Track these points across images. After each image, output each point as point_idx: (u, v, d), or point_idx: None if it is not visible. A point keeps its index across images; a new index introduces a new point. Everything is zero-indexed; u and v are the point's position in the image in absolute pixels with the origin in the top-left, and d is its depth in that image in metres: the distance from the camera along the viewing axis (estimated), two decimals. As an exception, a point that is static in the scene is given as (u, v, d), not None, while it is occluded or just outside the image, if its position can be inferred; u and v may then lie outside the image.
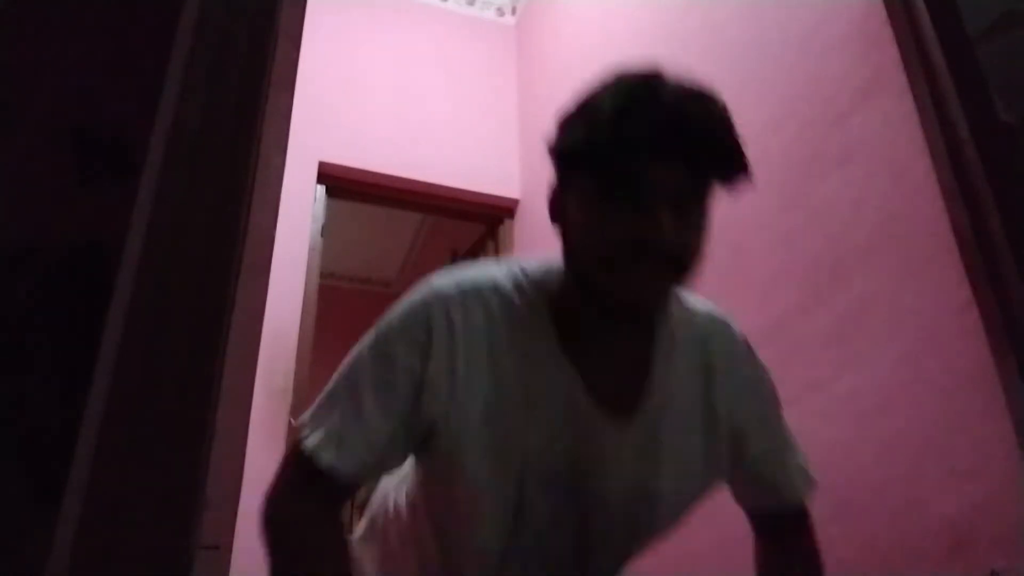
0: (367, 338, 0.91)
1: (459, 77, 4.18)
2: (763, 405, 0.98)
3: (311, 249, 3.42)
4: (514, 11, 4.47)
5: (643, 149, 0.77)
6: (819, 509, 1.73)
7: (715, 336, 0.95)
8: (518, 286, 0.88)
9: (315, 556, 0.82)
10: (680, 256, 0.80)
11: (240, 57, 0.96)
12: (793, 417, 1.82)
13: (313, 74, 3.48)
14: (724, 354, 0.95)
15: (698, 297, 0.98)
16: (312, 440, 0.85)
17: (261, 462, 3.07)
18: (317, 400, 0.90)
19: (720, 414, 0.92)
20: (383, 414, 0.84)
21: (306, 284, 3.34)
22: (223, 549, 0.87)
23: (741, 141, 0.83)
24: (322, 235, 3.53)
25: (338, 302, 6.69)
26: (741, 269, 2.11)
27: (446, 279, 0.90)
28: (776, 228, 1.99)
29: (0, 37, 0.80)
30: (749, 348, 0.99)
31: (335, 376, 0.90)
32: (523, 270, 0.91)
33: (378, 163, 3.71)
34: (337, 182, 3.66)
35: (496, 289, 0.88)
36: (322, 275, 3.52)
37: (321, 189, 3.60)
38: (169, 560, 0.71)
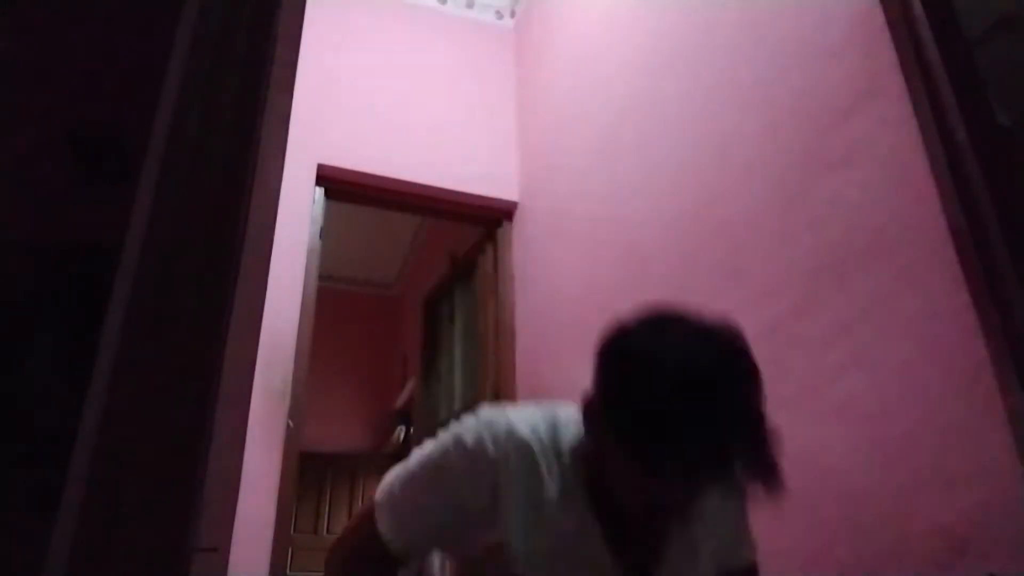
0: (439, 449, 1.05)
1: (458, 79, 4.18)
2: (737, 526, 1.17)
3: (310, 251, 3.41)
4: (513, 14, 4.47)
5: (681, 468, 0.85)
6: (818, 511, 1.73)
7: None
8: (557, 447, 1.02)
9: None
10: (685, 508, 0.97)
11: (239, 59, 0.96)
12: (791, 420, 1.82)
13: (312, 76, 3.48)
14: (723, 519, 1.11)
15: None
16: (382, 519, 1.04)
17: (259, 464, 3.07)
18: (396, 477, 1.07)
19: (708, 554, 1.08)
20: (438, 516, 1.03)
21: (304, 286, 3.33)
22: (220, 551, 0.87)
23: (772, 456, 0.89)
24: (321, 237, 3.53)
25: (337, 304, 6.70)
26: (740, 270, 2.12)
27: (502, 425, 1.02)
28: (775, 230, 2.00)
29: (0, 38, 0.80)
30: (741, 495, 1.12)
31: (413, 466, 1.07)
32: (561, 430, 1.04)
33: (377, 165, 3.71)
34: (336, 184, 3.65)
35: (541, 445, 1.01)
36: (320, 277, 3.52)
37: (320, 191, 3.60)
38: (167, 562, 0.71)
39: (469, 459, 1.00)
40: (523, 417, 1.04)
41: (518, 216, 3.93)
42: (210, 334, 0.81)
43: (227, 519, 0.94)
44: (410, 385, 6.08)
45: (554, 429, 1.04)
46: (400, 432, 6.30)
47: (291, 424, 3.06)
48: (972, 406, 1.38)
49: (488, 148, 4.03)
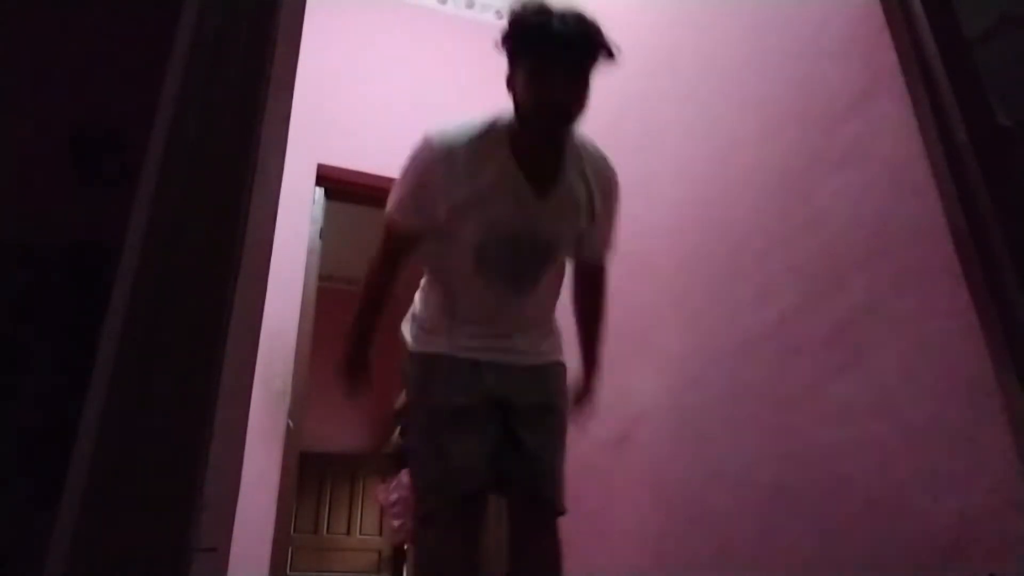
0: (410, 160, 1.63)
1: (458, 79, 4.18)
2: (609, 209, 1.73)
3: (310, 251, 3.41)
4: (513, 14, 4.47)
5: (553, 53, 1.44)
6: (818, 510, 1.73)
7: (597, 161, 1.68)
8: (492, 124, 1.57)
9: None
10: (573, 107, 1.50)
11: (239, 60, 0.96)
12: (791, 420, 1.83)
13: (312, 77, 3.48)
14: (599, 172, 1.68)
15: (589, 138, 1.69)
16: (392, 211, 1.67)
17: (259, 464, 3.07)
18: (393, 191, 1.68)
19: (588, 201, 1.65)
20: (422, 199, 1.59)
21: (304, 286, 3.33)
22: (220, 551, 0.86)
23: (607, 41, 1.46)
24: (320, 237, 3.53)
25: (336, 304, 6.68)
26: (741, 271, 2.12)
27: (453, 129, 1.58)
28: (775, 231, 2.00)
29: (0, 38, 0.80)
30: (613, 173, 1.72)
31: (399, 179, 1.67)
32: (495, 115, 1.58)
33: (377, 165, 3.71)
34: (336, 184, 3.65)
35: (480, 129, 1.56)
36: (320, 277, 3.52)
37: (320, 191, 3.60)
38: (166, 562, 0.71)
39: (425, 159, 1.57)
40: (459, 122, 1.59)
41: (518, 216, 3.92)
42: (210, 334, 0.81)
43: (227, 519, 0.94)
44: (410, 385, 6.07)
45: (487, 120, 1.58)
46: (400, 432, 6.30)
47: (291, 424, 3.06)
48: (972, 406, 1.38)
49: (488, 148, 4.02)
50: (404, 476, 2.91)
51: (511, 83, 1.53)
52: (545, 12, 1.45)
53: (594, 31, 1.45)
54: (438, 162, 1.54)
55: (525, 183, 1.56)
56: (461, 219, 1.56)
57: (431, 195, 1.56)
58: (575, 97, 1.49)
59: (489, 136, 1.56)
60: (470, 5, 4.40)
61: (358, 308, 1.74)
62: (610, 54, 1.47)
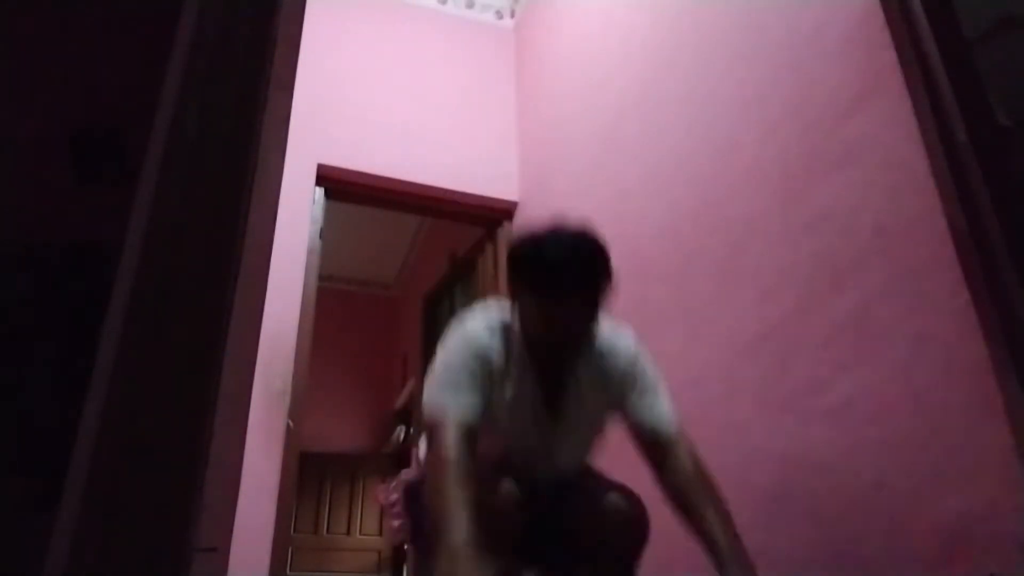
0: (447, 354, 1.54)
1: (458, 79, 4.19)
2: (644, 387, 1.58)
3: (310, 251, 3.41)
4: (512, 14, 4.47)
5: (558, 296, 1.41)
6: (818, 510, 1.73)
7: (612, 355, 1.59)
8: (507, 332, 1.55)
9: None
10: (581, 335, 1.51)
11: (239, 60, 0.96)
12: (791, 420, 1.83)
13: (312, 76, 3.48)
14: (614, 367, 1.58)
15: (607, 325, 1.60)
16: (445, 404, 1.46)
17: (259, 464, 3.07)
18: (428, 396, 1.51)
19: (609, 396, 1.58)
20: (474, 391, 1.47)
21: (304, 286, 3.33)
22: (220, 551, 0.86)
23: (610, 279, 1.44)
24: (320, 237, 3.53)
25: (337, 304, 6.70)
26: (740, 271, 2.12)
27: (481, 327, 1.56)
28: (775, 230, 2.00)
29: (0, 39, 0.80)
30: (630, 358, 1.60)
31: (434, 376, 1.53)
32: (501, 318, 1.57)
33: (377, 165, 3.71)
34: (336, 184, 3.66)
35: (502, 337, 1.54)
36: (320, 277, 3.52)
37: (320, 191, 3.60)
38: (167, 562, 0.71)
39: (472, 345, 1.50)
40: (487, 322, 1.55)
41: (518, 216, 3.93)
42: (210, 334, 0.81)
43: (227, 519, 0.94)
44: (410, 385, 6.08)
45: (498, 323, 1.55)
46: (400, 432, 6.30)
47: (291, 424, 3.06)
48: (972, 406, 1.38)
49: (488, 148, 4.03)
50: (404, 476, 2.90)
51: (513, 298, 1.52)
52: (544, 252, 1.41)
53: (594, 261, 1.41)
54: (482, 355, 1.50)
55: (542, 403, 1.55)
56: (496, 422, 1.51)
57: (482, 379, 1.49)
58: (583, 326, 1.48)
59: (511, 349, 1.53)
60: (470, 5, 4.41)
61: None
62: (609, 277, 1.43)
